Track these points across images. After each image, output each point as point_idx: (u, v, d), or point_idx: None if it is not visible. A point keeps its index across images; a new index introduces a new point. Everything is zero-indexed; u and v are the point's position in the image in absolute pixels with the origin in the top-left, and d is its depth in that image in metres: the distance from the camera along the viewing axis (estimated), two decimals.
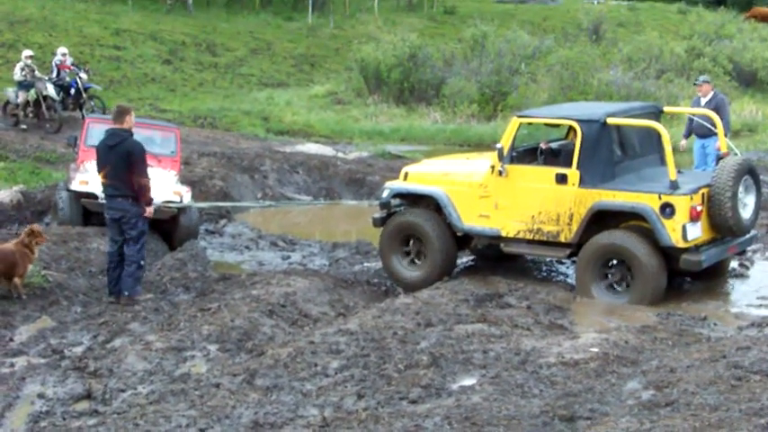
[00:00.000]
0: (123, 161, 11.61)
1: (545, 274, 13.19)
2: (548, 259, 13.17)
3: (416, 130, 28.00)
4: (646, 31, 40.57)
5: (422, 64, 31.50)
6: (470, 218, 12.42)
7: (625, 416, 7.23)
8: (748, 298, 11.87)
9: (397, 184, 13.18)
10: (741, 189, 11.62)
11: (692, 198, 11.30)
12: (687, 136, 17.00)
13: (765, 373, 7.96)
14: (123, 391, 8.88)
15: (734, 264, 13.11)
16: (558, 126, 13.19)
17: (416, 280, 12.64)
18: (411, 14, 48.15)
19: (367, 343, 9.56)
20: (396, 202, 13.20)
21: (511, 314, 10.79)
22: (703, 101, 16.34)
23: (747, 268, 13.03)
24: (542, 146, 12.44)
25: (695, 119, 16.03)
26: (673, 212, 11.19)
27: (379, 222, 13.19)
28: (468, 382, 8.54)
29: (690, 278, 12.38)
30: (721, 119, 15.93)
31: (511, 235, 12.23)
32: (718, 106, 15.93)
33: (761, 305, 11.50)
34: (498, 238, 12.36)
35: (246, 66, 37.03)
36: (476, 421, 7.36)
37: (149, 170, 11.99)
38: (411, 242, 12.89)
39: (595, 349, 9.17)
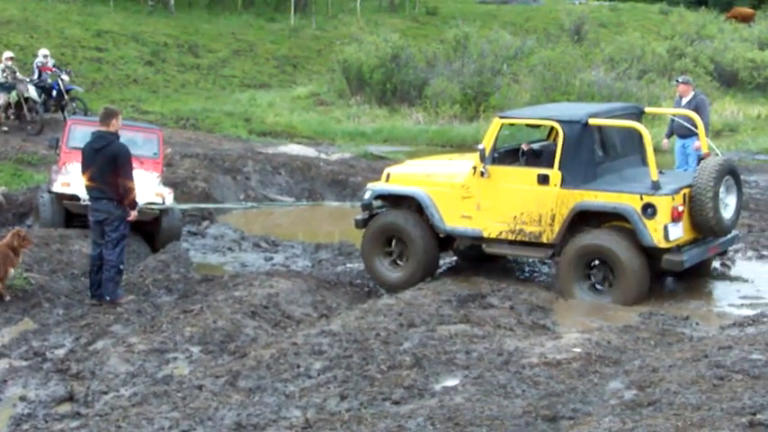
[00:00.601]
0: (109, 164, 11.60)
1: (528, 274, 13.21)
2: (530, 260, 13.18)
3: (399, 130, 28.00)
4: (627, 32, 40.63)
5: (404, 65, 31.51)
6: (452, 219, 12.42)
7: (608, 415, 7.25)
8: (730, 298, 11.90)
9: (379, 186, 13.17)
10: (722, 189, 11.66)
11: (673, 198, 11.33)
12: (669, 136, 17.05)
13: (747, 372, 7.98)
14: (106, 393, 8.87)
15: (716, 264, 13.15)
16: (539, 127, 13.21)
17: (399, 281, 12.64)
18: (393, 15, 48.19)
19: (350, 344, 9.55)
20: (378, 203, 13.20)
21: (494, 315, 10.81)
22: (684, 101, 16.39)
23: (729, 268, 13.07)
24: (524, 147, 12.46)
25: (676, 119, 16.09)
26: (654, 213, 11.22)
27: (362, 224, 13.17)
28: (451, 382, 8.55)
29: (673, 278, 12.41)
30: (701, 119, 16.05)
31: (493, 236, 12.23)
32: (698, 106, 15.99)
33: (742, 305, 11.53)
34: (480, 238, 12.36)
35: (229, 67, 37.00)
36: (459, 422, 7.37)
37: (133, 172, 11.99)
38: (393, 243, 12.89)
39: (578, 349, 9.19)
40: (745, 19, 49.06)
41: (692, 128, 13.71)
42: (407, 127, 28.51)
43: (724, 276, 12.81)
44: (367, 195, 13.17)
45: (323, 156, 23.20)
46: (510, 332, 10.15)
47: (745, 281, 12.55)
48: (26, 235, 11.97)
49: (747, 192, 18.71)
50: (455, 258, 13.80)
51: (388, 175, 13.16)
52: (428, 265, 12.75)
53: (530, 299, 11.54)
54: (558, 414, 7.45)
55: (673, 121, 16.33)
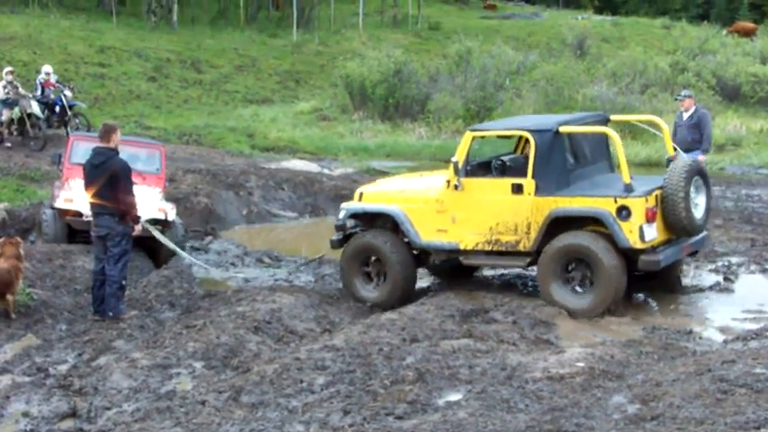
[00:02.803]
0: (109, 180, 11.60)
1: (530, 289, 13.21)
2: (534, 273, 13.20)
3: (401, 145, 28.01)
4: (630, 46, 40.73)
5: (407, 80, 31.55)
6: (428, 233, 12.48)
7: (611, 430, 7.24)
8: (733, 312, 11.89)
9: (353, 205, 13.18)
10: (692, 190, 11.87)
11: (646, 200, 11.51)
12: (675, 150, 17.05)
13: (750, 386, 7.97)
14: (108, 408, 8.85)
15: (719, 278, 13.17)
16: (510, 138, 13.33)
17: (377, 300, 12.64)
18: (396, 31, 48.31)
19: (353, 359, 9.55)
20: (351, 223, 13.24)
21: (497, 329, 10.80)
22: (685, 115, 16.40)
23: (732, 282, 13.06)
24: (494, 164, 12.55)
25: (679, 132, 16.14)
26: (629, 215, 11.39)
27: (337, 244, 13.22)
28: (455, 397, 8.54)
29: (642, 286, 12.56)
30: (703, 133, 16.12)
31: (469, 248, 12.32)
32: (700, 120, 16.12)
33: (745, 319, 11.52)
34: (457, 251, 12.44)
35: (231, 82, 37.08)
36: None
37: (134, 188, 11.99)
38: (370, 263, 12.90)
39: (581, 364, 9.17)
40: (748, 33, 49.18)
41: (657, 132, 13.86)
42: (410, 142, 28.52)
43: (727, 290, 12.80)
44: (341, 215, 13.22)
45: (326, 171, 23.22)
46: (513, 347, 10.14)
47: (749, 295, 12.53)
48: (15, 239, 12.04)
49: (750, 206, 18.72)
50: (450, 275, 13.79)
51: (361, 194, 13.22)
52: (406, 282, 12.77)
53: (533, 313, 11.52)
54: (562, 429, 7.44)
55: (675, 134, 16.34)
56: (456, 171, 12.19)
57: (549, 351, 9.92)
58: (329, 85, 36.18)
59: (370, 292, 12.83)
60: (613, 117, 14.18)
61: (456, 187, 12.23)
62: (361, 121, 30.99)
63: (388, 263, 12.66)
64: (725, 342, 10.40)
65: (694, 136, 16.13)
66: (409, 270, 12.78)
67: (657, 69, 34.23)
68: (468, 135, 12.40)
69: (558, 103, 28.89)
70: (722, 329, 11.17)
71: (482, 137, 12.93)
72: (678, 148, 14.01)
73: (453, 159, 12.25)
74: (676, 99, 17.29)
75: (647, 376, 8.75)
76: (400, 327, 10.67)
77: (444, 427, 7.58)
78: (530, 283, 13.35)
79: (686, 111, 16.45)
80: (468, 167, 12.43)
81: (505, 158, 12.74)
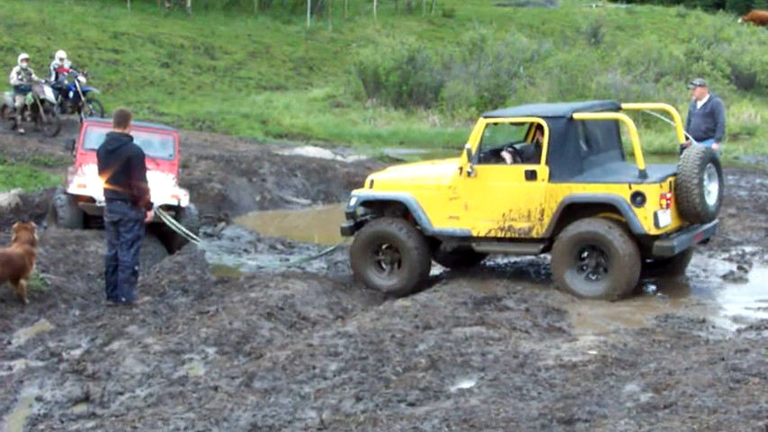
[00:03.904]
0: (122, 166, 11.62)
1: (543, 276, 13.19)
2: (547, 261, 13.19)
3: (415, 133, 28.00)
4: (644, 35, 40.60)
5: (420, 67, 31.53)
6: (440, 220, 12.49)
7: (623, 418, 7.22)
8: (746, 301, 11.86)
9: (365, 192, 13.20)
10: (705, 177, 11.89)
11: (661, 186, 11.54)
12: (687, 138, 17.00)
13: (764, 375, 7.95)
14: (121, 393, 8.87)
15: (732, 267, 13.15)
16: (523, 125, 13.33)
17: (393, 287, 12.65)
18: (409, 18, 48.20)
19: (365, 346, 9.55)
20: (362, 210, 13.24)
21: (509, 317, 10.79)
22: (699, 104, 16.33)
23: (746, 271, 13.04)
24: (504, 153, 12.54)
25: (693, 120, 16.09)
26: (644, 201, 11.43)
27: (348, 231, 13.22)
28: (467, 384, 8.53)
29: (652, 273, 12.59)
30: (717, 122, 16.04)
31: (482, 234, 12.32)
32: (713, 109, 16.04)
33: (759, 308, 11.49)
34: (469, 238, 12.43)
35: (245, 69, 37.06)
36: (474, 424, 7.35)
37: (148, 174, 12.00)
38: (382, 251, 12.90)
39: (594, 352, 9.16)
40: (763, 22, 48.97)
41: (670, 122, 13.85)
42: (423, 129, 28.50)
43: (741, 279, 12.78)
44: (352, 202, 13.21)
45: (339, 158, 23.21)
46: (525, 334, 10.13)
47: (762, 284, 12.51)
48: (29, 224, 12.06)
49: (764, 195, 18.66)
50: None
51: (372, 182, 13.22)
52: (422, 269, 12.78)
53: (545, 301, 11.52)
54: (574, 416, 7.43)
55: (689, 123, 16.29)
56: (469, 157, 12.18)
57: (561, 339, 9.91)
58: (343, 71, 36.14)
59: (384, 279, 12.83)
60: (625, 105, 14.14)
61: (469, 174, 12.23)
62: (375, 109, 30.99)
63: (404, 249, 12.66)
64: (738, 331, 10.37)
65: (708, 125, 16.05)
66: (425, 256, 12.78)
67: (672, 58, 34.14)
68: (482, 121, 12.40)
69: (572, 92, 28.84)
70: (735, 318, 11.13)
71: (495, 123, 12.93)
72: (690, 137, 13.98)
73: (467, 146, 12.25)
74: (690, 87, 17.22)
75: (659, 365, 8.73)
76: (413, 314, 10.66)
77: (456, 414, 7.57)
78: (542, 271, 13.34)
79: (699, 99, 16.38)
80: (482, 154, 12.43)
81: (518, 145, 12.75)
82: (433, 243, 12.89)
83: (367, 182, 13.33)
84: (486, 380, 8.56)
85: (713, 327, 10.64)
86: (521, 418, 7.45)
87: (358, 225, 13.15)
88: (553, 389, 8.27)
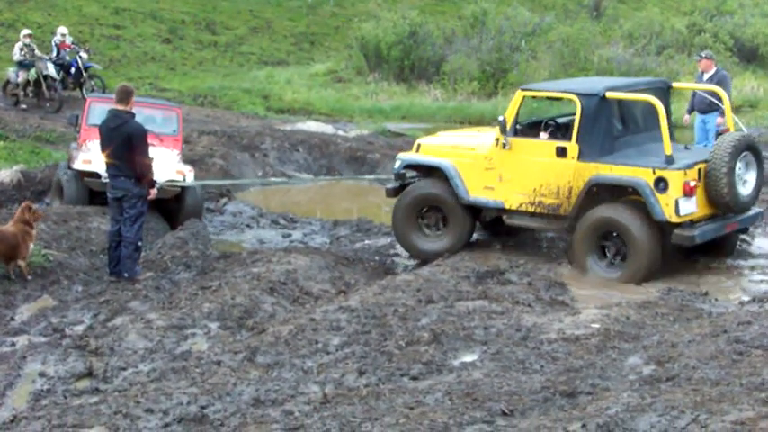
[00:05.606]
0: (125, 142, 11.62)
1: (545, 250, 13.18)
2: (549, 234, 13.17)
3: (417, 107, 27.92)
4: (647, 8, 40.42)
5: (422, 42, 31.38)
6: (476, 190, 12.47)
7: (626, 390, 7.23)
8: (749, 273, 11.86)
9: (408, 156, 13.29)
10: (740, 165, 11.58)
11: (686, 173, 11.30)
12: (690, 111, 16.95)
13: (766, 347, 7.96)
14: (124, 369, 8.89)
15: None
16: (560, 100, 13.19)
17: (438, 251, 12.67)
18: None
19: (368, 320, 9.56)
20: (410, 173, 13.29)
21: (512, 291, 10.80)
22: (705, 77, 16.25)
23: (749, 244, 13.01)
24: (542, 128, 12.46)
25: (698, 94, 15.99)
26: (666, 187, 11.20)
27: (392, 193, 13.32)
28: (470, 358, 8.55)
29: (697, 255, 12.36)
30: None
31: (514, 207, 12.28)
32: (720, 82, 15.85)
33: (761, 281, 11.50)
34: (502, 210, 12.40)
35: (246, 44, 36.92)
36: (477, 397, 7.36)
37: (152, 149, 12.00)
38: (426, 213, 12.92)
39: (596, 325, 9.17)
40: None
41: (719, 103, 13.60)
42: (425, 104, 28.43)
43: (744, 252, 12.75)
44: (396, 165, 13.29)
45: (341, 133, 23.16)
46: (528, 308, 10.14)
47: (765, 257, 12.49)
48: (36, 208, 12.01)
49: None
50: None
51: (419, 146, 13.25)
52: (467, 234, 12.84)
53: (548, 275, 11.52)
54: (577, 389, 7.44)
55: (694, 96, 16.23)
56: (503, 130, 12.14)
57: (564, 312, 9.92)
58: (344, 46, 35.98)
59: (429, 242, 12.87)
60: (675, 85, 13.95)
61: (504, 146, 12.18)
62: (377, 83, 30.87)
63: (451, 212, 12.67)
64: (740, 304, 10.38)
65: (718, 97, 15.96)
66: (470, 222, 12.82)
67: (674, 31, 34.00)
68: (520, 94, 12.34)
69: (574, 65, 28.74)
70: (738, 291, 11.15)
71: (533, 96, 12.87)
72: (739, 123, 13.56)
73: (501, 118, 12.20)
74: (697, 59, 17.12)
75: (662, 337, 8.74)
76: (415, 288, 10.67)
77: (459, 388, 7.58)
78: (545, 245, 13.33)
79: (706, 72, 16.30)
80: (518, 127, 12.36)
81: (560, 119, 12.62)
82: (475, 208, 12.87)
83: (414, 145, 13.39)
84: (489, 353, 8.58)
85: (716, 299, 10.65)
86: (523, 391, 7.46)
87: (403, 187, 13.17)
88: (556, 362, 8.28)
